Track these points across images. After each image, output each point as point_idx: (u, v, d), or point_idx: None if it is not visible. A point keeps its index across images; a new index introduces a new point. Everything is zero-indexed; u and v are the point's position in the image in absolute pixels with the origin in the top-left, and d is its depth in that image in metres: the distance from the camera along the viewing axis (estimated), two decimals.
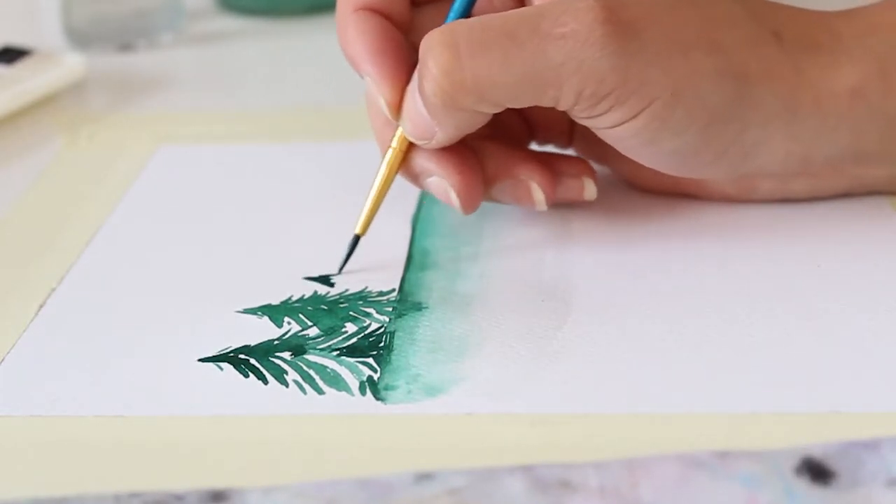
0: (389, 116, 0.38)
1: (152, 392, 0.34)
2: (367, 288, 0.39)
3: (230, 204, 0.45)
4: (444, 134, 0.37)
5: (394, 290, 0.38)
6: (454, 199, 0.38)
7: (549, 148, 0.43)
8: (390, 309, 0.37)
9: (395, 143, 0.39)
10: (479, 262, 0.40)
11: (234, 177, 0.48)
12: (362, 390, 0.33)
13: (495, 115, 0.37)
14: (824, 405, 0.32)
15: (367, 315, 0.37)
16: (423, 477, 0.29)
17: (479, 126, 0.37)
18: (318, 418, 0.32)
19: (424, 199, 0.44)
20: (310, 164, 0.48)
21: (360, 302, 0.38)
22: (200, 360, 0.35)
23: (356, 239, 0.39)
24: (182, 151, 0.50)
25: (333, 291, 0.38)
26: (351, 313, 0.37)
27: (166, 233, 0.43)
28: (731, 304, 0.36)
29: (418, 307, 0.37)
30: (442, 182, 0.38)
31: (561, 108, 0.36)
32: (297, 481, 0.30)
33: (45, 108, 0.55)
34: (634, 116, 0.36)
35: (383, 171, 0.39)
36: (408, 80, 0.38)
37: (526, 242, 0.41)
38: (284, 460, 0.31)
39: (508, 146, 0.40)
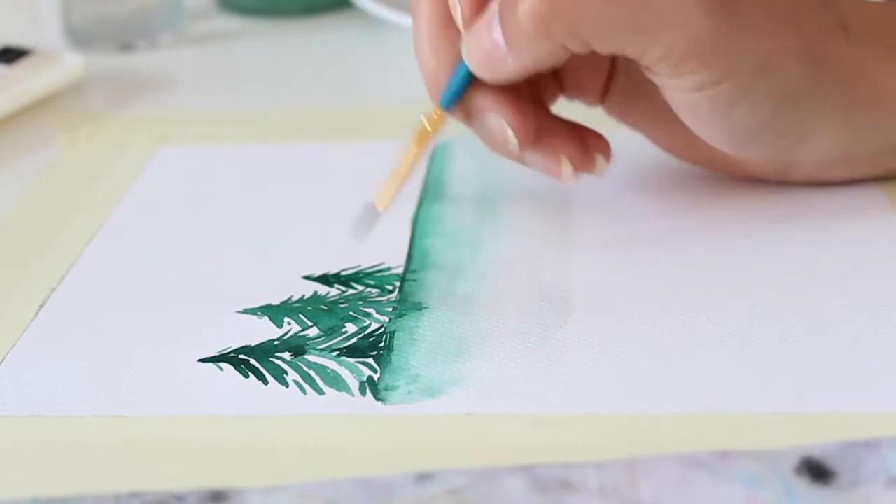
0: (461, 26, 0.37)
1: (152, 392, 0.34)
2: (367, 288, 0.39)
3: (230, 204, 0.45)
4: (514, 65, 0.36)
5: (394, 290, 0.38)
6: (510, 136, 0.38)
7: (577, 105, 0.43)
8: (390, 309, 0.37)
9: (427, 123, 0.38)
10: (479, 262, 0.40)
11: (233, 177, 0.48)
12: (362, 391, 0.33)
13: None
14: (824, 405, 0.32)
15: (367, 315, 0.37)
16: (423, 477, 0.29)
17: (551, 67, 0.37)
18: (319, 418, 0.32)
19: (424, 199, 0.44)
20: (310, 164, 0.48)
21: (360, 302, 0.38)
22: (200, 360, 0.35)
23: (376, 212, 0.38)
24: (182, 151, 0.50)
25: (333, 291, 0.38)
26: (351, 313, 0.37)
27: (166, 233, 0.43)
28: (731, 303, 0.36)
29: (418, 307, 0.37)
30: (497, 119, 0.38)
31: (645, 61, 0.36)
32: (297, 481, 0.30)
33: (45, 108, 0.55)
34: (717, 83, 0.36)
35: (413, 149, 0.38)
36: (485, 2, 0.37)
37: (526, 243, 0.41)
38: (284, 460, 0.31)
39: (545, 111, 0.40)
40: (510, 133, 0.38)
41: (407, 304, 0.37)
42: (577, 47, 0.36)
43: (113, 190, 0.46)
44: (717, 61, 0.36)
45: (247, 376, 0.34)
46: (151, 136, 0.51)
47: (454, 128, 0.50)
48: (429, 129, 0.38)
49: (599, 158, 0.40)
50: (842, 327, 0.35)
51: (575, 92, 0.43)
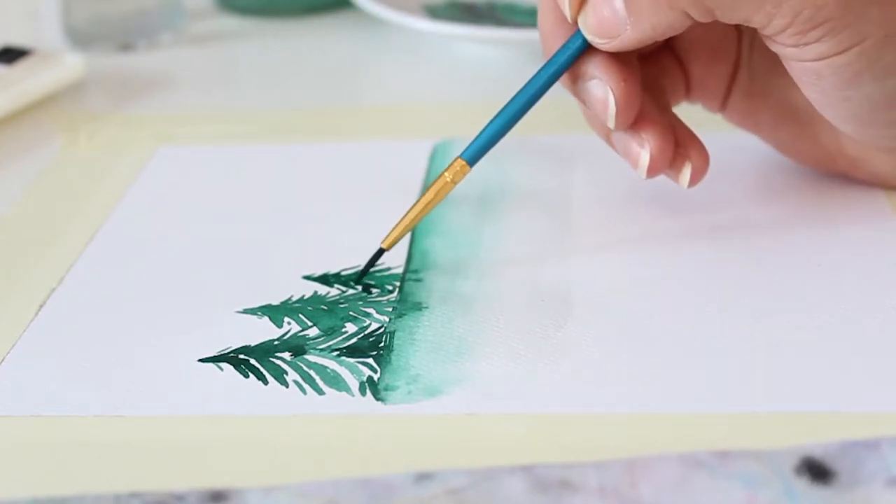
0: (568, 13, 0.37)
1: (152, 392, 0.34)
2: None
3: (230, 204, 0.45)
4: (633, 33, 0.36)
5: (394, 290, 0.38)
6: (611, 105, 0.38)
7: (698, 108, 0.43)
8: (390, 309, 0.37)
9: (448, 175, 0.38)
10: (479, 262, 0.40)
11: (233, 177, 0.48)
12: (362, 391, 0.33)
13: (658, 63, 0.38)
14: (824, 405, 0.32)
15: (367, 315, 0.37)
16: (423, 477, 0.29)
17: (669, 36, 0.37)
18: (318, 418, 0.32)
19: None
20: (309, 165, 0.48)
21: (360, 302, 0.38)
22: (200, 360, 0.35)
23: (380, 252, 0.38)
24: (182, 151, 0.50)
25: (333, 291, 0.38)
26: (351, 313, 0.37)
27: (166, 233, 0.43)
28: (731, 303, 0.36)
29: (418, 307, 0.37)
30: (603, 86, 0.38)
31: (770, 30, 0.35)
32: (297, 481, 0.30)
33: (45, 108, 0.55)
34: (842, 52, 0.35)
35: (429, 196, 0.38)
36: None
37: (526, 243, 0.41)
38: (284, 460, 0.31)
39: (656, 104, 0.40)
40: (612, 104, 0.38)
41: (407, 304, 0.37)
42: (699, 15, 0.35)
43: (113, 190, 0.46)
44: (843, 29, 0.35)
45: (247, 376, 0.34)
46: (151, 136, 0.51)
47: (454, 128, 0.50)
48: (448, 179, 0.38)
49: (686, 167, 0.39)
50: (842, 328, 0.35)
51: (698, 95, 0.42)
